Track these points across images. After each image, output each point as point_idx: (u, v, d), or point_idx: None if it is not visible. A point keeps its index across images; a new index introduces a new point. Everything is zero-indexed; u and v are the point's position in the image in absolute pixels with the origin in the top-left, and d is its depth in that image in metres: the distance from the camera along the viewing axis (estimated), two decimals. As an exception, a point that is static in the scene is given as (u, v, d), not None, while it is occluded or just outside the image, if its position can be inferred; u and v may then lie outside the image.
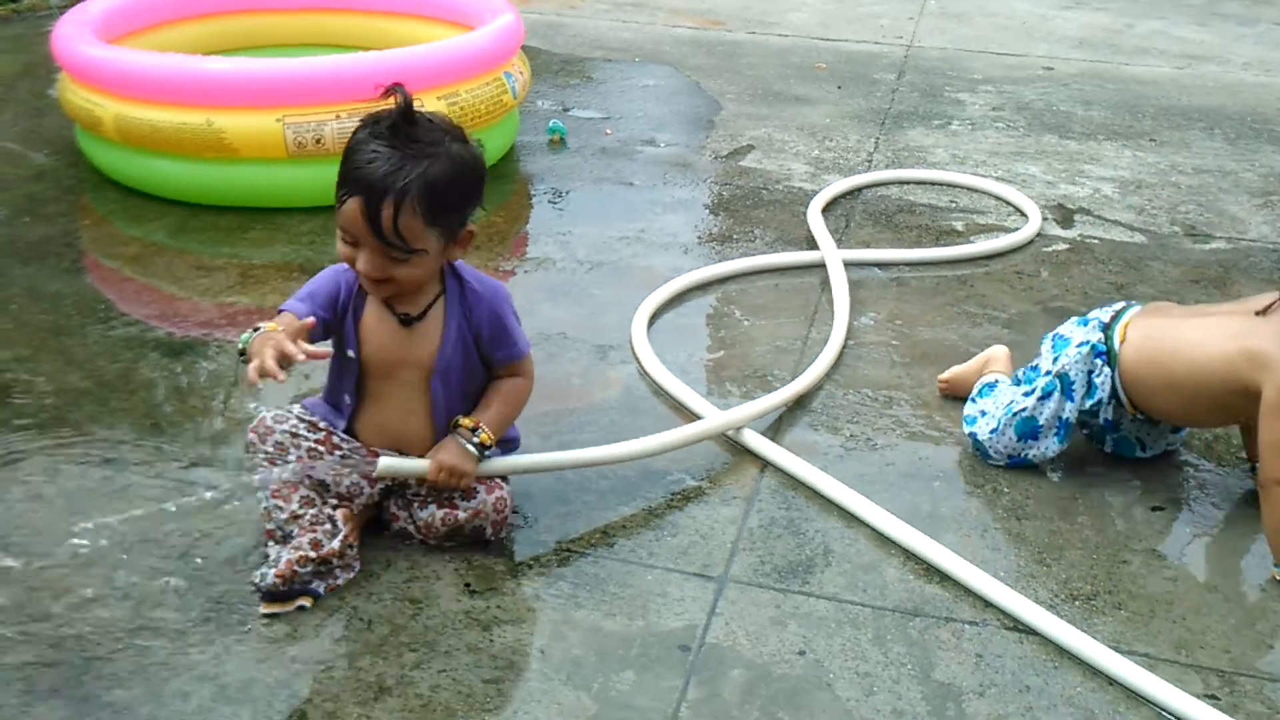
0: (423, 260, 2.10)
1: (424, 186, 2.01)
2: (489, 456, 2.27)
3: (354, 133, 2.09)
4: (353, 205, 2.02)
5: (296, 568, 2.10)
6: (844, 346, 3.05)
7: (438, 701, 1.95)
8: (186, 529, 2.30)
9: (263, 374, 1.95)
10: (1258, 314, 2.34)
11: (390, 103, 2.06)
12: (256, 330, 2.04)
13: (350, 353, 2.22)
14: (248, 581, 2.13)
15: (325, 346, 2.14)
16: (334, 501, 2.22)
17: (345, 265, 2.16)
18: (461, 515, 2.24)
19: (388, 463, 2.21)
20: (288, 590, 2.11)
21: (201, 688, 1.95)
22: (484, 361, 2.28)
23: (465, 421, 2.23)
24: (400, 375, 2.24)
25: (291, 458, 2.22)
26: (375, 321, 2.21)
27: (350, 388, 2.26)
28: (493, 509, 2.26)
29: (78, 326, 3.05)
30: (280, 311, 2.15)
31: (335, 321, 2.20)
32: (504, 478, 2.32)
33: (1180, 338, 2.41)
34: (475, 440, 2.22)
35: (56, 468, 2.49)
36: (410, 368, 2.23)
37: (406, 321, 2.20)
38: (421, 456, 2.24)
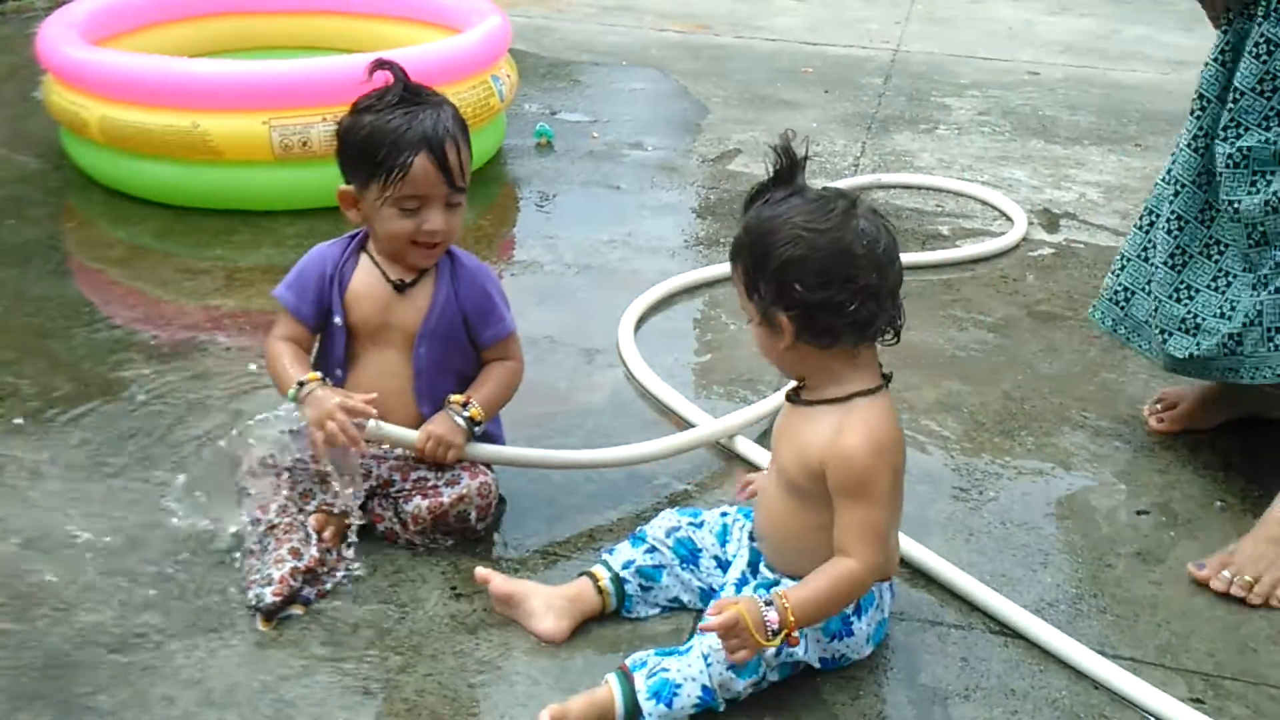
0: (465, 203, 2.27)
1: (460, 125, 2.21)
2: (479, 435, 2.30)
3: (357, 116, 2.21)
4: (422, 162, 2.15)
5: (291, 582, 2.11)
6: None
7: (423, 706, 1.94)
8: (171, 533, 2.29)
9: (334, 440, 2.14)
10: None
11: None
12: (301, 385, 2.18)
13: (337, 319, 2.29)
14: (245, 605, 2.11)
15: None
16: (310, 509, 2.23)
17: (329, 243, 2.32)
18: (446, 500, 2.25)
19: (376, 426, 2.23)
20: (284, 604, 2.11)
21: (186, 693, 1.94)
22: (472, 342, 2.33)
23: (456, 398, 2.29)
24: (386, 339, 2.30)
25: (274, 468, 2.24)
26: (363, 289, 2.29)
27: (340, 359, 2.31)
28: (477, 493, 2.27)
29: (63, 329, 3.04)
30: (278, 304, 2.32)
31: (324, 298, 2.30)
32: (489, 466, 2.34)
33: None
34: (465, 414, 2.26)
35: (41, 471, 2.48)
36: (396, 331, 2.29)
37: (400, 288, 2.28)
38: (403, 426, 2.28)
